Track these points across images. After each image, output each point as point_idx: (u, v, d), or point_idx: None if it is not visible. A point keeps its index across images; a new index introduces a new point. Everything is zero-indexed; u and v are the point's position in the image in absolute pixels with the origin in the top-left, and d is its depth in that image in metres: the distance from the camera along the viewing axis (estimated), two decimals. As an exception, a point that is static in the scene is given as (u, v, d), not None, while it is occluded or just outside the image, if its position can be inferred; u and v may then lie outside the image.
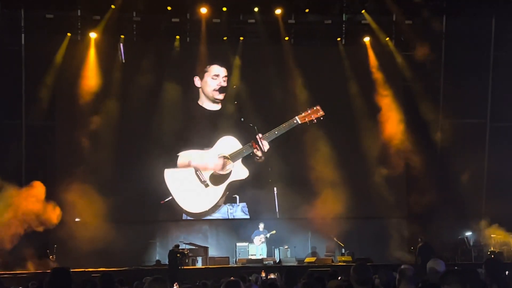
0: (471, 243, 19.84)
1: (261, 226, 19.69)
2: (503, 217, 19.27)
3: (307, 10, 20.44)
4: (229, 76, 20.27)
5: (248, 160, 19.72)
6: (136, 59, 20.07)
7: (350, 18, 21.12)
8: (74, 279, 5.51)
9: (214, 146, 19.90)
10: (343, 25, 21.15)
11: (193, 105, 20.26)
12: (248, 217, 20.28)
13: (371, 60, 20.86)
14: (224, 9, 19.97)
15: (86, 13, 19.90)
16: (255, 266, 17.16)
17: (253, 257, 19.03)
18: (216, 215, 20.18)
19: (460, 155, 20.27)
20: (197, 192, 19.72)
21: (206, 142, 19.89)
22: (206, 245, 19.68)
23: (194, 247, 19.31)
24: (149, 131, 19.86)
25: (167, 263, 17.78)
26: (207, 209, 19.96)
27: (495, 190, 20.19)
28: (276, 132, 19.21)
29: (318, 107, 18.75)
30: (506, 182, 20.15)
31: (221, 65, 20.20)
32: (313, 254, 19.66)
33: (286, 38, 20.72)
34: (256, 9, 20.19)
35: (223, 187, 19.87)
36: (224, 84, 20.14)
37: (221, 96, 20.18)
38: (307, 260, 18.89)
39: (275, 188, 20.10)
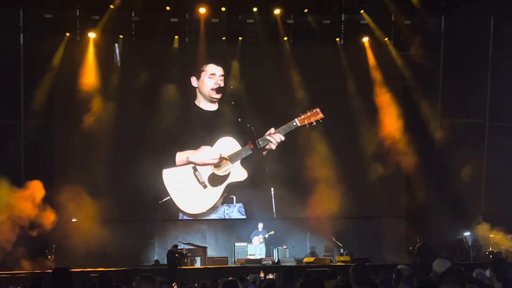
0: (470, 243, 19.85)
1: (260, 226, 19.67)
2: (502, 216, 19.29)
3: (306, 10, 20.42)
4: (226, 76, 20.23)
5: (247, 161, 19.66)
6: (135, 59, 20.07)
7: (349, 18, 21.12)
8: (73, 279, 5.50)
9: (213, 147, 19.85)
10: (342, 25, 21.14)
11: (190, 105, 20.22)
12: (244, 217, 20.26)
13: (369, 60, 20.85)
14: (223, 9, 19.95)
15: (85, 13, 19.87)
16: (254, 266, 17.16)
17: (252, 257, 19.03)
18: (213, 216, 20.14)
19: (458, 155, 20.26)
20: (195, 193, 19.67)
21: (204, 143, 19.81)
22: (204, 245, 19.67)
23: (192, 247, 19.31)
24: (147, 131, 19.82)
25: (165, 263, 17.80)
26: (205, 210, 19.93)
27: (494, 190, 20.20)
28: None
29: (318, 110, 18.62)
30: (504, 182, 20.16)
31: (217, 64, 20.15)
32: (312, 254, 19.65)
33: (285, 38, 20.70)
34: (255, 9, 20.17)
35: (221, 188, 19.83)
36: (221, 83, 20.07)
37: (218, 96, 20.12)
38: (305, 260, 18.89)
39: (272, 189, 20.07)
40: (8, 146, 19.22)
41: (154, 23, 20.07)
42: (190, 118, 20.11)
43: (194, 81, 20.14)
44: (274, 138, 18.57)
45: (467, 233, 20.08)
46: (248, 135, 18.73)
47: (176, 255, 17.47)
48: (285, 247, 19.44)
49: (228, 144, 19.86)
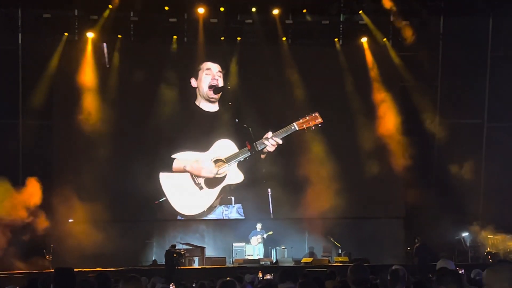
0: (468, 244, 19.87)
1: (259, 226, 19.66)
2: (500, 217, 19.31)
3: (304, 11, 20.43)
4: (225, 76, 20.21)
5: (244, 163, 19.63)
6: (133, 59, 20.06)
7: (348, 19, 21.11)
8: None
9: (211, 149, 19.83)
10: (341, 26, 21.14)
11: (190, 105, 20.20)
12: (243, 217, 20.24)
13: (368, 61, 20.86)
14: (222, 9, 19.94)
15: (83, 13, 19.85)
16: (252, 267, 17.14)
17: (250, 258, 19.02)
18: (211, 216, 20.13)
19: (457, 156, 20.27)
20: (191, 195, 19.65)
21: (202, 144, 19.81)
22: (203, 245, 19.65)
23: (191, 247, 19.29)
24: (145, 132, 19.82)
25: (163, 263, 17.78)
26: (200, 212, 19.90)
27: (492, 191, 20.21)
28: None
29: (317, 114, 18.51)
30: (503, 182, 20.17)
31: (214, 61, 20.14)
32: (311, 254, 19.64)
33: (284, 38, 20.69)
34: (253, 9, 20.16)
35: (217, 190, 19.81)
36: (219, 79, 20.03)
37: (215, 96, 20.10)
38: (304, 260, 18.89)
39: (269, 189, 20.05)
40: (7, 145, 19.19)
41: (153, 23, 20.08)
42: (189, 118, 20.09)
43: (193, 81, 20.14)
44: (272, 142, 18.54)
45: (465, 234, 20.08)
46: (246, 136, 18.71)
47: (174, 255, 17.45)
48: (283, 247, 19.43)
49: (225, 146, 19.83)
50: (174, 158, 19.69)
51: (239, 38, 20.65)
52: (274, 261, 18.91)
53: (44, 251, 18.30)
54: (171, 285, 11.11)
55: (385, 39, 20.95)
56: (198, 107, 20.27)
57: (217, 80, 20.06)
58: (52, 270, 9.46)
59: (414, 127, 20.64)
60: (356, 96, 20.50)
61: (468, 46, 20.60)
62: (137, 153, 19.68)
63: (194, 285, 11.31)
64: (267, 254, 19.45)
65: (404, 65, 20.94)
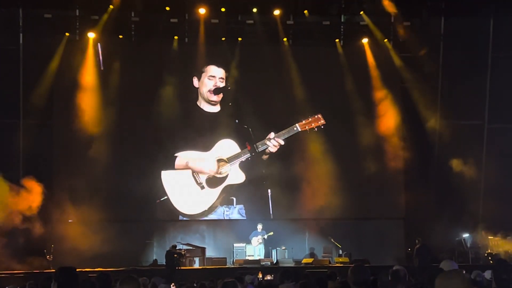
0: (468, 245, 19.85)
1: (260, 226, 19.66)
2: (500, 218, 19.28)
3: (305, 11, 20.42)
4: (226, 76, 20.21)
5: (245, 163, 19.63)
6: (134, 59, 20.06)
7: (349, 19, 21.11)
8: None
9: (213, 149, 19.83)
10: (342, 26, 21.14)
11: (191, 106, 20.20)
12: (244, 218, 20.24)
13: (369, 61, 20.85)
14: (223, 9, 19.95)
15: (85, 13, 19.85)
16: (253, 267, 17.14)
17: (251, 258, 19.02)
18: (211, 216, 20.11)
19: (457, 157, 20.26)
20: (192, 194, 19.65)
21: (204, 145, 19.81)
22: (203, 246, 19.65)
23: (191, 248, 19.29)
24: (146, 132, 19.83)
25: (164, 263, 17.78)
26: (201, 211, 19.90)
27: (493, 192, 20.18)
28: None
29: (319, 116, 18.51)
30: (503, 183, 20.14)
31: (219, 65, 20.14)
32: (311, 255, 19.63)
33: (285, 39, 20.69)
34: (254, 10, 20.16)
35: (218, 190, 19.81)
36: (221, 85, 20.06)
37: (216, 98, 20.08)
38: (304, 261, 18.88)
39: (269, 190, 20.04)
40: (7, 145, 19.19)
41: (154, 23, 20.08)
42: (191, 119, 20.09)
43: (195, 81, 20.14)
44: (274, 143, 18.53)
45: (465, 235, 20.07)
46: (246, 137, 18.70)
47: (175, 255, 17.46)
48: (283, 248, 19.43)
49: (227, 146, 19.83)
50: (176, 156, 19.69)
51: (240, 39, 20.65)
52: (275, 261, 18.90)
53: (45, 251, 18.30)
54: (171, 285, 11.13)
55: (386, 40, 20.94)
56: (200, 108, 20.26)
57: (219, 86, 20.06)
58: (53, 270, 9.48)
59: (414, 128, 20.64)
60: (356, 96, 20.49)
61: (469, 47, 20.61)
62: (138, 153, 19.69)
63: (194, 286, 11.31)
64: (267, 254, 19.45)
65: (404, 66, 20.94)
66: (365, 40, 20.88)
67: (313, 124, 18.47)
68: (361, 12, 20.57)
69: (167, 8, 19.74)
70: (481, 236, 19.84)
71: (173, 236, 20.04)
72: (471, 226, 20.15)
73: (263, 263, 18.38)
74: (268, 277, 13.70)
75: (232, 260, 19.18)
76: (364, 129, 20.34)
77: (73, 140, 19.45)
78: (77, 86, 19.51)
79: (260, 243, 19.51)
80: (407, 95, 21.04)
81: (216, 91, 20.02)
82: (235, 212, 20.21)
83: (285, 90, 20.19)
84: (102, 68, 19.84)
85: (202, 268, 18.36)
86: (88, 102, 19.50)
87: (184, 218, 20.10)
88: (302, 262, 18.82)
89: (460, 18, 20.81)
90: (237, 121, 19.55)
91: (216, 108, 20.31)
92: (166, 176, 19.68)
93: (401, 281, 5.97)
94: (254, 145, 18.60)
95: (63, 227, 18.53)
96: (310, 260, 18.87)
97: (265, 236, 19.50)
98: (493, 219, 19.52)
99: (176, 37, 20.40)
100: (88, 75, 19.69)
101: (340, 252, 19.59)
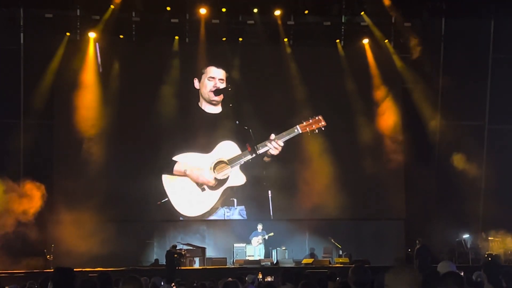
0: (469, 246, 19.84)
1: (260, 227, 19.65)
2: (501, 219, 19.26)
3: (306, 12, 20.42)
4: (226, 77, 20.19)
5: (246, 165, 19.61)
6: (135, 60, 20.05)
7: (349, 20, 21.09)
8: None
9: (214, 150, 19.82)
10: (342, 27, 21.13)
11: (193, 107, 20.20)
12: (245, 219, 20.24)
13: (370, 62, 20.84)
14: (224, 9, 19.95)
15: (85, 13, 19.86)
16: (253, 267, 17.14)
17: (251, 258, 19.01)
18: (212, 217, 20.12)
19: (458, 157, 20.24)
20: (193, 196, 19.65)
21: (205, 145, 19.80)
22: (203, 246, 19.64)
23: (191, 248, 19.29)
24: (147, 132, 19.82)
25: (165, 263, 17.78)
26: (202, 213, 19.89)
27: (493, 193, 20.18)
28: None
29: (320, 117, 18.52)
30: (504, 184, 20.15)
31: (218, 66, 20.14)
32: (312, 255, 19.63)
33: (285, 39, 20.69)
34: (255, 10, 20.16)
35: (219, 191, 19.80)
36: (221, 86, 20.06)
37: (217, 98, 20.08)
38: (304, 261, 18.88)
39: (269, 191, 20.03)
40: (8, 145, 19.18)
41: (155, 23, 20.07)
42: (192, 120, 20.08)
43: (196, 83, 20.14)
44: (275, 145, 18.51)
45: (466, 236, 20.06)
46: (246, 138, 18.69)
47: (175, 255, 17.46)
48: (284, 248, 19.43)
49: (228, 148, 19.82)
50: (176, 161, 19.67)
51: (240, 39, 20.65)
52: (275, 262, 18.90)
53: (45, 250, 18.31)
54: (172, 285, 11.14)
55: (386, 41, 20.93)
56: (201, 109, 20.25)
57: (219, 87, 20.05)
58: (53, 270, 9.48)
59: (415, 129, 20.62)
60: (357, 97, 20.48)
61: (470, 48, 20.60)
62: (138, 153, 19.70)
63: (194, 286, 11.31)
64: (267, 255, 19.44)
65: (405, 67, 20.94)
66: (365, 41, 20.87)
67: (313, 126, 18.46)
68: (362, 13, 20.58)
69: (168, 8, 19.74)
70: (482, 237, 19.84)
71: (174, 236, 20.04)
72: (472, 227, 20.14)
73: (263, 264, 18.37)
74: (269, 279, 13.69)
75: (232, 260, 19.17)
76: (364, 130, 20.34)
77: (73, 140, 19.43)
78: (77, 86, 19.51)
79: (260, 243, 19.50)
80: (407, 96, 21.04)
81: (217, 92, 20.01)
82: (236, 213, 20.20)
83: (286, 91, 20.19)
84: (100, 70, 19.82)
85: (202, 268, 18.37)
86: (89, 102, 19.50)
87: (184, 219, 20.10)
88: (302, 262, 18.81)
89: (460, 19, 20.80)
90: (237, 122, 19.54)
91: (218, 109, 20.29)
92: (167, 178, 19.68)
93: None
94: (255, 147, 18.58)
95: (63, 227, 18.51)
96: (310, 260, 18.87)
97: (266, 237, 19.50)
98: (494, 220, 19.50)
99: (176, 37, 20.40)
100: (89, 75, 19.69)
101: (340, 252, 19.59)
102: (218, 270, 17.16)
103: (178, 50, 20.40)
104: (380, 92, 20.70)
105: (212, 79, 20.04)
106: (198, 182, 19.61)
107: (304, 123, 18.53)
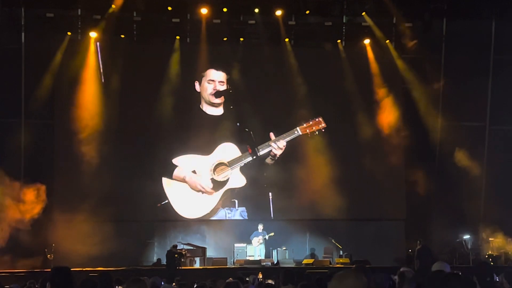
0: (469, 247, 19.82)
1: (260, 227, 19.65)
2: (502, 220, 19.28)
3: (307, 12, 20.40)
4: (228, 80, 20.16)
5: (246, 166, 19.59)
6: (136, 60, 20.04)
7: (350, 20, 21.06)
8: (73, 279, 5.50)
9: (214, 152, 19.80)
10: (343, 27, 21.11)
11: (194, 108, 20.19)
12: (246, 219, 20.24)
13: (371, 62, 20.84)
14: (225, 9, 19.93)
15: (87, 13, 19.84)
16: (253, 267, 17.14)
17: (251, 258, 19.01)
18: (213, 218, 20.11)
19: (459, 157, 20.23)
20: (193, 198, 19.61)
21: (206, 147, 19.77)
22: (204, 246, 19.64)
23: (192, 248, 19.29)
24: (149, 132, 19.83)
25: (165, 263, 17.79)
26: (202, 215, 19.87)
27: (494, 194, 20.18)
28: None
29: (320, 119, 18.48)
30: (505, 185, 20.15)
31: (218, 69, 20.10)
32: (312, 256, 19.64)
33: (286, 40, 20.69)
34: (256, 10, 20.14)
35: (220, 193, 19.78)
36: (221, 88, 20.03)
37: (218, 100, 20.06)
38: (305, 261, 18.88)
39: (270, 193, 20.02)
40: (9, 144, 19.19)
41: (156, 23, 20.08)
42: (193, 121, 20.04)
43: (197, 85, 20.13)
44: (279, 145, 18.46)
45: (466, 236, 20.05)
46: (247, 140, 18.66)
47: (176, 255, 17.46)
48: (284, 248, 19.43)
49: (229, 150, 19.80)
50: (176, 165, 19.64)
51: (241, 39, 20.65)
52: (275, 262, 18.90)
53: (46, 250, 18.31)
54: (173, 284, 11.13)
55: (387, 41, 20.92)
56: (203, 111, 20.24)
57: (219, 90, 20.03)
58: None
59: (416, 129, 20.61)
60: (358, 97, 20.47)
61: (471, 49, 20.55)
62: (139, 153, 19.69)
63: (195, 286, 11.30)
64: (268, 255, 19.44)
65: (406, 67, 20.93)
66: (367, 41, 20.86)
67: (314, 128, 18.44)
68: (363, 13, 20.55)
69: (169, 8, 19.73)
70: (482, 237, 19.83)
71: (174, 236, 20.05)
72: (472, 228, 20.13)
73: (264, 264, 18.37)
74: (269, 281, 13.65)
75: (232, 260, 19.17)
76: (365, 130, 20.32)
77: (74, 139, 19.41)
78: (78, 86, 19.51)
79: (260, 243, 19.50)
80: (408, 96, 21.03)
81: (217, 94, 20.00)
82: (237, 214, 20.18)
83: (286, 91, 20.19)
84: (101, 71, 19.82)
85: (202, 268, 18.37)
86: (90, 102, 19.49)
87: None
88: (302, 262, 18.82)
89: (462, 19, 20.80)
90: (238, 124, 19.51)
91: (219, 111, 20.27)
92: (167, 181, 19.67)
93: (406, 283, 5.97)
94: (255, 148, 18.54)
95: (64, 226, 18.51)
96: (310, 260, 18.87)
97: (266, 237, 19.49)
98: (494, 221, 19.51)
99: (178, 37, 20.40)
100: (90, 75, 19.68)
101: (341, 253, 19.60)
102: (219, 270, 17.16)
103: (179, 50, 20.38)
104: (381, 93, 20.68)
105: (212, 82, 20.03)
106: (196, 190, 19.60)
107: (304, 125, 18.51)
